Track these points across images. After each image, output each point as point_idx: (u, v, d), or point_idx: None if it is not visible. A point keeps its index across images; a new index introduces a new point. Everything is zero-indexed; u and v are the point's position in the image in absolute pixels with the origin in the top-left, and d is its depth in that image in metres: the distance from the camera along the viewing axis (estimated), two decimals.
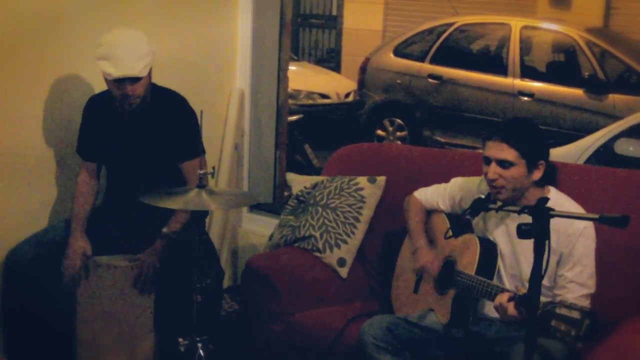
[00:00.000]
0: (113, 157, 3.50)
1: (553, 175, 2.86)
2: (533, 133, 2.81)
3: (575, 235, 2.69)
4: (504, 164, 2.71)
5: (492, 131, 2.78)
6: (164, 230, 3.34)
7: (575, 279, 2.69)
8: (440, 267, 3.00)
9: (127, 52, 3.22)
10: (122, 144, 3.44)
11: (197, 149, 3.13)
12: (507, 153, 2.71)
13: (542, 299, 2.56)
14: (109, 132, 3.44)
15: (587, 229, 2.71)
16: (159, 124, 3.40)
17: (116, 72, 3.20)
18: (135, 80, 3.24)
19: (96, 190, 3.55)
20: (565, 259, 2.70)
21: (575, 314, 2.19)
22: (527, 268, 2.19)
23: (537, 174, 2.75)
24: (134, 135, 3.41)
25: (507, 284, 2.80)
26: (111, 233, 3.43)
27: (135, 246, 3.36)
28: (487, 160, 2.76)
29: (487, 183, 2.78)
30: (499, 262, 2.83)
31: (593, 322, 2.18)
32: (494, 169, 2.73)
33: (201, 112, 3.09)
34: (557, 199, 2.77)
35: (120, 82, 3.23)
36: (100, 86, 3.59)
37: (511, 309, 2.52)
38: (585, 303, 2.67)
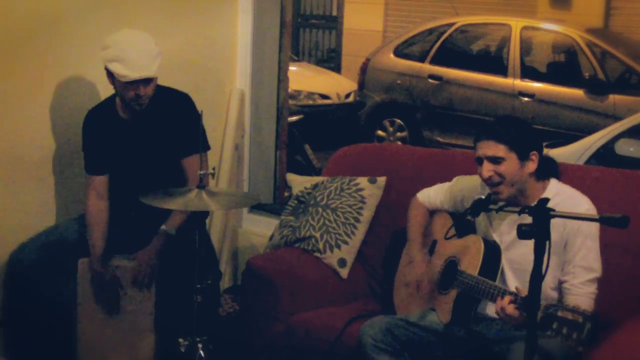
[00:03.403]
0: (118, 161, 3.49)
1: (554, 169, 2.88)
2: (519, 126, 2.83)
3: None
4: (495, 160, 2.73)
5: (479, 132, 2.82)
6: (162, 227, 3.34)
7: (581, 263, 2.70)
8: (442, 269, 3.01)
9: (140, 53, 3.22)
10: (126, 148, 3.43)
11: (200, 144, 3.11)
12: (496, 149, 2.73)
13: (550, 292, 2.59)
14: (114, 141, 3.43)
15: (589, 211, 2.73)
16: (163, 122, 3.39)
17: (132, 74, 3.19)
18: (148, 81, 3.24)
19: (107, 212, 3.47)
20: (571, 243, 2.71)
21: (577, 317, 2.19)
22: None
23: (532, 166, 2.76)
24: (138, 137, 3.41)
25: (510, 284, 2.80)
26: (113, 233, 3.43)
27: (137, 246, 3.36)
28: (480, 161, 2.79)
29: (486, 184, 2.79)
30: (503, 262, 2.83)
31: (594, 326, 2.18)
32: (486, 167, 2.75)
33: (201, 112, 3.09)
34: (557, 188, 2.79)
35: (133, 83, 3.22)
36: (101, 86, 3.60)
37: (511, 309, 2.52)
38: (592, 287, 2.69)
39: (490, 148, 2.74)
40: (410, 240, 3.23)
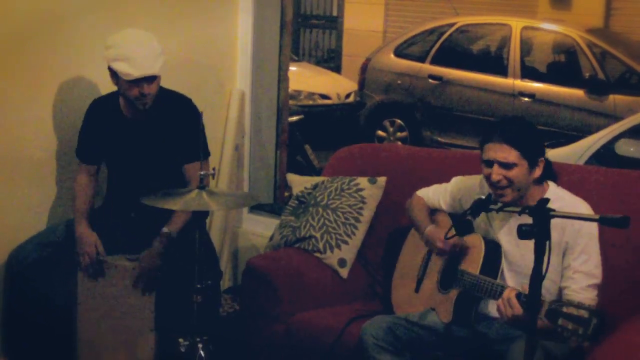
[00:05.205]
0: (116, 158, 3.50)
1: (550, 170, 2.87)
2: (532, 132, 2.81)
3: (578, 224, 2.69)
4: (506, 165, 2.71)
5: (490, 133, 2.77)
6: (164, 229, 3.34)
7: (581, 269, 2.69)
8: (445, 263, 3.00)
9: (144, 51, 3.24)
10: (126, 146, 3.44)
11: (201, 152, 3.11)
12: (509, 154, 2.70)
13: (549, 297, 2.58)
14: (113, 135, 3.44)
15: None
16: (165, 125, 3.40)
17: (136, 72, 3.20)
18: (151, 79, 3.26)
19: (95, 187, 3.55)
20: (571, 248, 2.71)
21: (583, 313, 2.18)
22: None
23: (538, 172, 2.76)
24: (138, 136, 3.41)
25: (511, 283, 2.80)
26: (113, 233, 3.43)
27: (137, 246, 3.36)
28: (489, 163, 2.75)
29: (490, 186, 2.77)
30: (503, 262, 2.83)
31: (601, 321, 2.17)
32: (497, 171, 2.72)
33: (201, 112, 3.09)
34: (557, 193, 2.79)
35: (137, 82, 3.23)
36: (102, 86, 3.60)
37: (517, 305, 2.52)
38: (593, 294, 2.68)
39: (503, 152, 2.70)
40: (420, 222, 3.15)
